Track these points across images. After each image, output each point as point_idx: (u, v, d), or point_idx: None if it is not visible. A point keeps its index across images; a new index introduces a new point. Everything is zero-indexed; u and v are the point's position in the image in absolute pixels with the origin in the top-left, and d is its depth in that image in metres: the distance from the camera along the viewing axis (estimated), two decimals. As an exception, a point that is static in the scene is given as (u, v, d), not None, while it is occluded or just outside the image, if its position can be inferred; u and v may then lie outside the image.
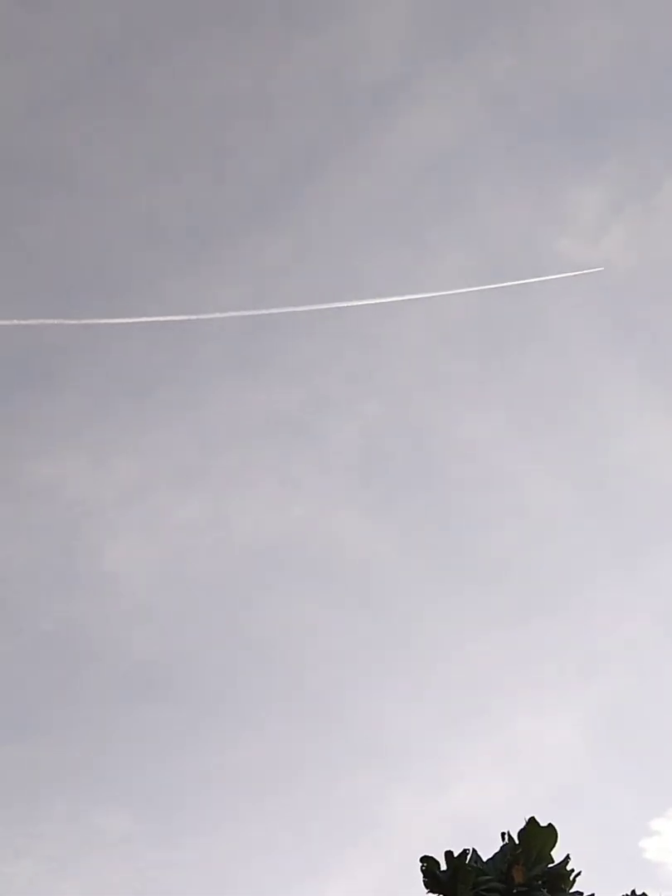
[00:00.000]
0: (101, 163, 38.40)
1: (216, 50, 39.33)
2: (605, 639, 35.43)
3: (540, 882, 8.73)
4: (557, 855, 8.99)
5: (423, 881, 8.88)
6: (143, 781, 31.45)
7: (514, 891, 8.65)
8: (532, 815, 8.96)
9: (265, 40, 39.68)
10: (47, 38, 38.17)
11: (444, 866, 8.80)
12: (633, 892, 9.25)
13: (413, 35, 38.95)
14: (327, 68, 38.93)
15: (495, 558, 36.97)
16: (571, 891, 8.80)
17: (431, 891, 8.79)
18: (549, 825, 8.85)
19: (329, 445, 38.55)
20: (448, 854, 8.78)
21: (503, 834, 8.95)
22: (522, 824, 9.06)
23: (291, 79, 39.21)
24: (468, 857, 8.87)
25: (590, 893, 8.81)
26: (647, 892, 9.12)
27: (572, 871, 8.84)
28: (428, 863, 8.81)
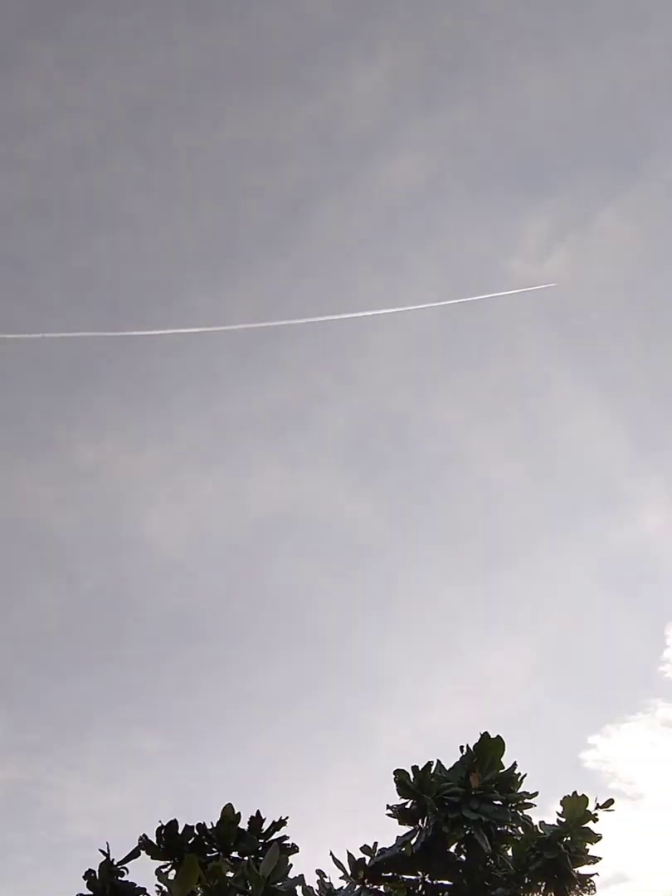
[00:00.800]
0: (135, 202, 45.62)
1: (229, 108, 46.52)
2: (549, 588, 41.66)
3: (493, 785, 10.24)
4: (508, 764, 10.54)
5: (396, 790, 10.42)
6: (175, 708, 36.70)
7: (472, 794, 10.17)
8: (485, 730, 10.48)
9: (270, 99, 46.55)
10: (89, 99, 44.53)
11: (412, 777, 10.34)
12: (575, 792, 10.80)
13: (392, 94, 46.25)
14: (322, 122, 46.29)
15: (460, 524, 43.46)
16: (519, 791, 10.35)
17: (404, 796, 10.33)
18: (498, 737, 10.33)
19: (323, 433, 45.62)
20: (415, 768, 10.29)
21: (462, 747, 10.44)
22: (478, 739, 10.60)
23: (292, 131, 46.32)
24: (433, 768, 10.39)
25: (534, 792, 10.39)
26: (585, 794, 10.69)
27: (519, 774, 10.36)
28: (399, 775, 10.31)
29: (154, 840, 10.38)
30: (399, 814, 10.37)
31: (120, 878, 10.46)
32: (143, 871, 10.36)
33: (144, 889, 10.46)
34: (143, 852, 10.49)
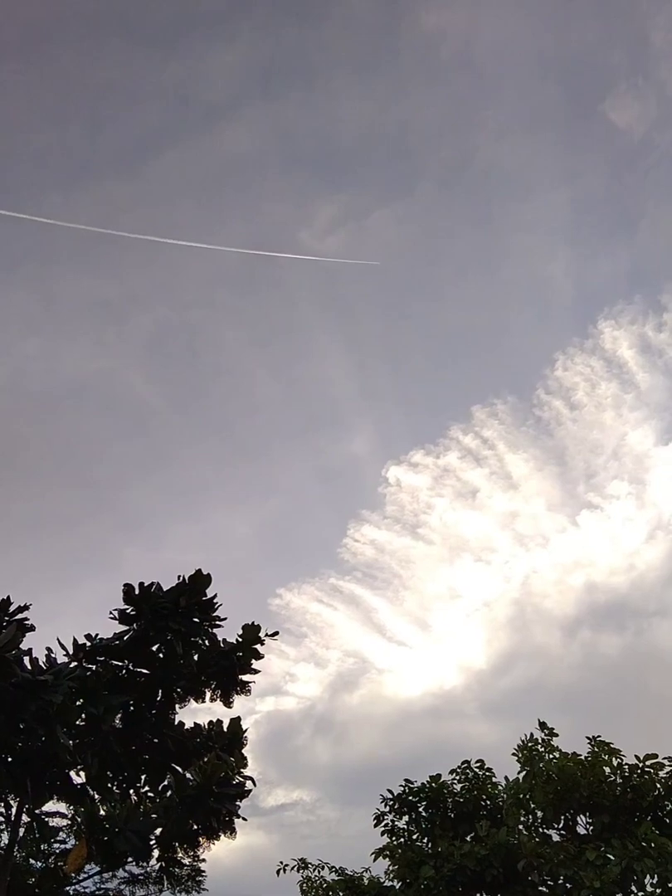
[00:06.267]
0: (22, 111, 52.20)
1: (107, 49, 54.16)
2: (277, 479, 57.14)
3: (195, 607, 12.99)
4: (211, 594, 13.31)
5: (123, 599, 12.91)
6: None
7: (179, 611, 12.86)
8: (199, 568, 13.15)
9: (143, 53, 54.63)
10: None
11: (137, 591, 12.86)
12: (252, 622, 13.76)
13: (240, 76, 55.56)
14: (182, 83, 55.19)
15: (224, 420, 57.40)
16: (213, 615, 13.17)
17: (127, 604, 12.84)
18: (208, 575, 13.05)
19: (132, 327, 56.47)
20: (140, 584, 12.83)
21: (179, 576, 13.08)
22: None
23: (157, 83, 55.15)
24: (153, 587, 12.97)
25: (224, 617, 13.28)
26: (257, 623, 13.67)
27: (216, 604, 13.18)
28: (127, 587, 12.81)
29: None
30: (120, 616, 12.90)
31: None
32: None
33: None
34: None
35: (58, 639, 12.83)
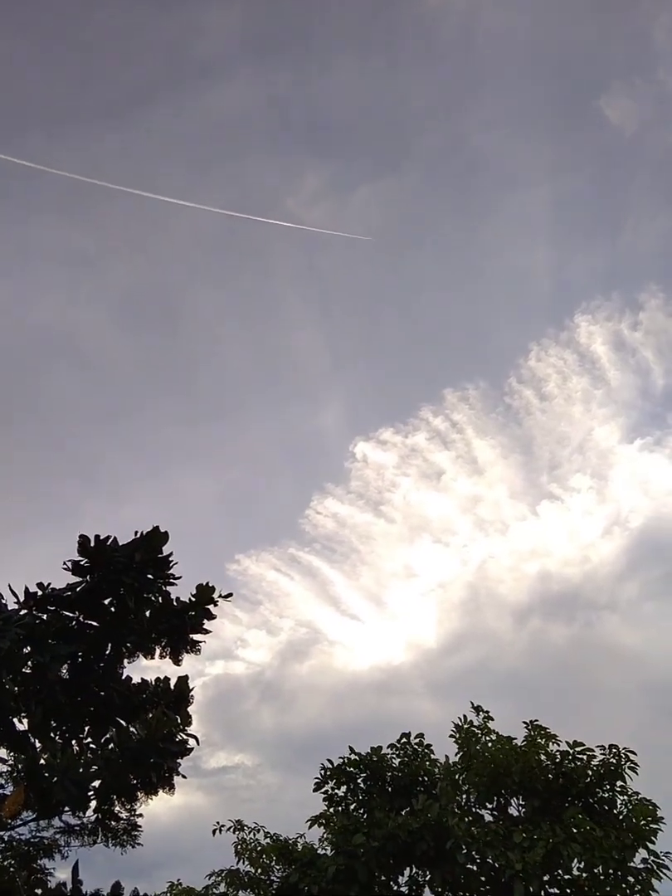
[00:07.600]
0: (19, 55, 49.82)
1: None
2: (245, 446, 57.09)
3: (150, 564, 12.93)
4: (167, 552, 13.23)
5: (77, 550, 12.78)
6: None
7: (133, 566, 12.80)
8: (156, 525, 13.05)
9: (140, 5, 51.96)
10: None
11: (92, 543, 12.75)
12: (207, 583, 13.72)
13: (236, 35, 54.58)
14: (176, 39, 54.26)
15: (197, 386, 56.74)
16: (168, 572, 13.11)
17: (82, 555, 12.73)
18: (165, 532, 12.97)
19: (108, 281, 55.98)
20: (96, 536, 12.72)
21: (136, 531, 13.00)
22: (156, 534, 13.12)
23: (150, 38, 54.23)
24: (110, 540, 12.87)
25: (179, 576, 13.22)
26: (212, 584, 13.62)
27: (172, 562, 13.12)
28: (82, 538, 12.69)
29: None
30: (73, 568, 12.80)
31: None
32: None
33: None
34: None
35: (9, 586, 12.76)
